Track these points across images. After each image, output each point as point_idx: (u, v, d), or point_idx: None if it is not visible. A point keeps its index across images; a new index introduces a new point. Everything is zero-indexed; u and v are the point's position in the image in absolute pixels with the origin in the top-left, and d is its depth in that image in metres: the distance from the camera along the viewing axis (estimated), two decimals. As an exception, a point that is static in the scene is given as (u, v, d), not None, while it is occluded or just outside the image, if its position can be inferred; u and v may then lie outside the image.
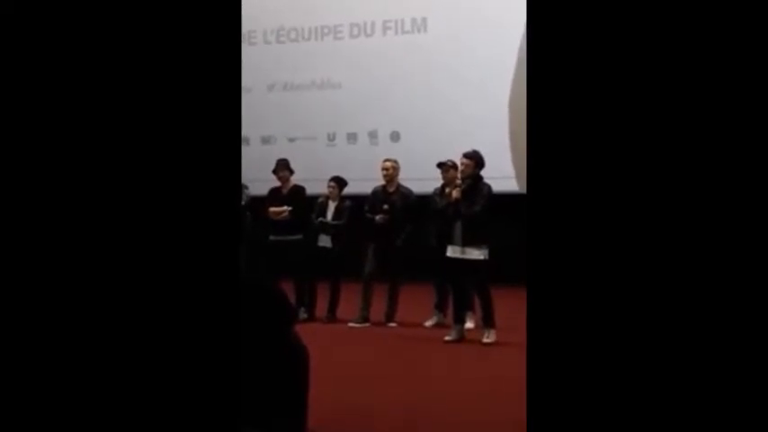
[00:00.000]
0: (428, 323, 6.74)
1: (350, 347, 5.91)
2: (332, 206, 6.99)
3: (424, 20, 10.12)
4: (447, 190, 6.11)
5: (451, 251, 5.87)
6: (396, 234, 6.66)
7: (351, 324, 6.68)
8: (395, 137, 10.13)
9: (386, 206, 6.68)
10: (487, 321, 5.91)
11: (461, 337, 5.98)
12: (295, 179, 7.14)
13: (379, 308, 6.78)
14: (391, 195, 6.78)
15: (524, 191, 9.44)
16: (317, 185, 7.47)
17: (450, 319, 6.29)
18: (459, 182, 5.91)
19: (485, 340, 5.86)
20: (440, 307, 6.76)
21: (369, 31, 10.44)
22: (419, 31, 10.17)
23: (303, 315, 6.60)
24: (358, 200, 7.06)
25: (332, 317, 6.83)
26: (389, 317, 6.75)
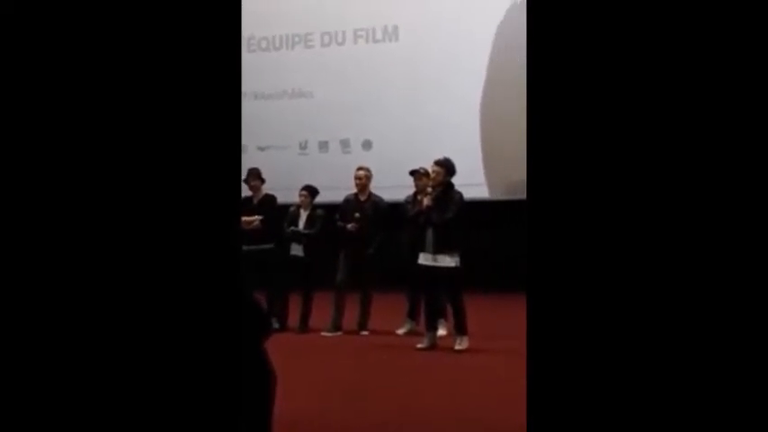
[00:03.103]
0: (400, 331, 6.74)
1: (322, 356, 5.89)
2: (303, 215, 6.98)
3: (396, 28, 10.17)
4: (419, 197, 6.14)
5: (423, 258, 5.89)
6: (367, 242, 6.66)
7: (323, 333, 6.66)
8: (367, 145, 10.15)
9: (357, 214, 6.68)
10: (459, 328, 5.93)
11: (433, 345, 5.99)
12: (266, 188, 7.11)
13: (351, 316, 6.77)
14: (363, 203, 6.79)
15: (495, 198, 9.51)
16: (288, 194, 7.46)
17: (422, 326, 6.30)
18: (430, 189, 5.93)
19: (457, 347, 5.87)
20: (412, 315, 6.77)
21: (340, 40, 10.46)
22: (390, 39, 10.21)
23: (275, 325, 6.57)
24: (330, 208, 7.05)
25: (304, 327, 6.80)
26: (362, 325, 6.75)
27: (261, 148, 10.49)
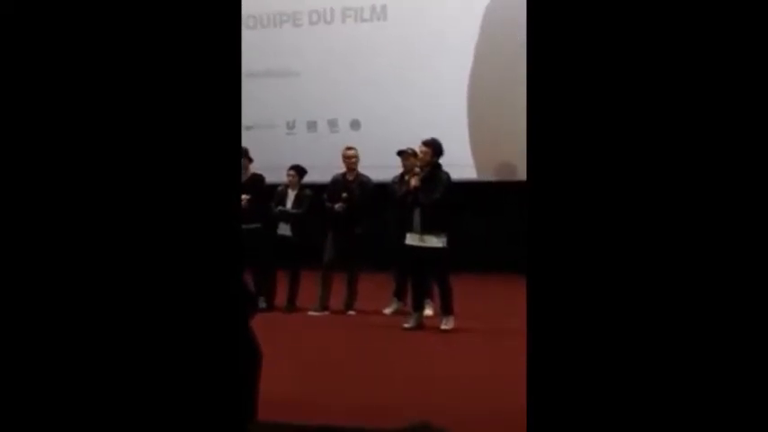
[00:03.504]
0: (387, 311, 6.77)
1: (309, 336, 5.92)
2: (291, 195, 6.97)
3: (384, 7, 10.10)
4: (406, 178, 6.15)
5: (410, 239, 5.91)
6: (355, 222, 6.67)
7: (310, 313, 6.69)
8: (355, 125, 10.12)
9: (345, 194, 6.69)
10: (446, 309, 5.97)
11: (420, 324, 6.03)
12: (254, 167, 7.09)
13: (338, 296, 6.79)
14: (351, 183, 6.79)
15: (483, 179, 9.53)
16: (276, 174, 7.44)
17: (408, 306, 6.33)
18: (417, 170, 5.94)
19: (443, 327, 5.91)
20: (399, 295, 6.80)
21: (328, 18, 10.38)
22: (379, 18, 10.15)
23: (263, 304, 6.59)
24: (318, 188, 7.05)
25: (291, 307, 6.82)
26: (349, 305, 6.77)
27: (248, 128, 10.41)
